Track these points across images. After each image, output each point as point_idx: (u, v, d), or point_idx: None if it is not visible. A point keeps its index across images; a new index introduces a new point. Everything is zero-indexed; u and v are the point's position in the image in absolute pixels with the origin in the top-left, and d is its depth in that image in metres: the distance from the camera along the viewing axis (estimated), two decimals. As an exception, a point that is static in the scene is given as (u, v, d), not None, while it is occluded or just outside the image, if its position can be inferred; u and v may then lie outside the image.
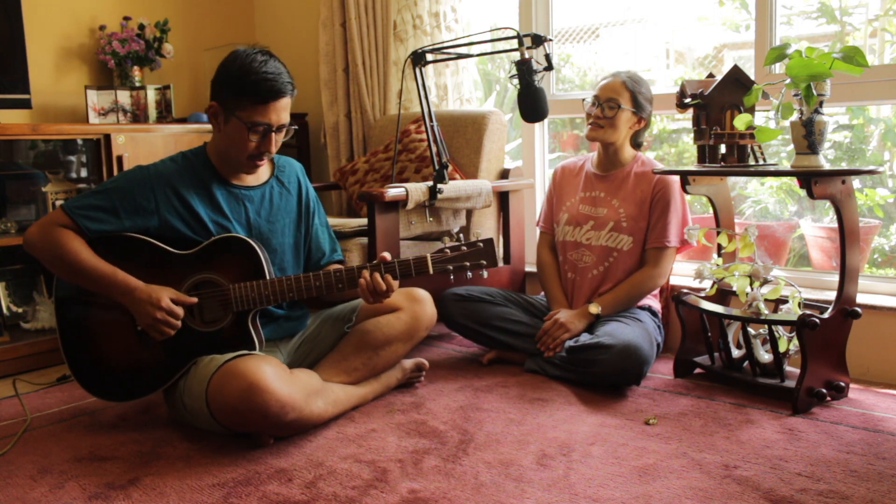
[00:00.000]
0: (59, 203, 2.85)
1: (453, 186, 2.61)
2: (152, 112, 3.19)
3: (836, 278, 2.14)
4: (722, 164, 2.21)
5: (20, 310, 2.91)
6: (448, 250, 1.97)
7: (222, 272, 1.97)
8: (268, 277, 1.97)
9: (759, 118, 2.51)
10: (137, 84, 3.25)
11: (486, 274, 2.00)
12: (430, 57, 2.65)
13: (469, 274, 1.98)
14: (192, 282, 1.96)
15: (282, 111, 1.96)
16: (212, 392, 1.83)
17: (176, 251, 1.97)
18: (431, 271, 1.96)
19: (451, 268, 1.96)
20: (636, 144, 2.59)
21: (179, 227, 1.98)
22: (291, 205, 2.16)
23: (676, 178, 2.43)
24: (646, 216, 2.48)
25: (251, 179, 2.09)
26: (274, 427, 1.85)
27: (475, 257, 1.97)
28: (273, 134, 1.97)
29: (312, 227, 2.21)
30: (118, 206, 1.94)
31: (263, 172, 2.13)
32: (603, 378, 2.22)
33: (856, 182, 2.60)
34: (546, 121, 3.02)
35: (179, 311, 1.90)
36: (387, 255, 1.99)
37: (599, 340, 2.23)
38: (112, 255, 1.93)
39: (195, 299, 1.93)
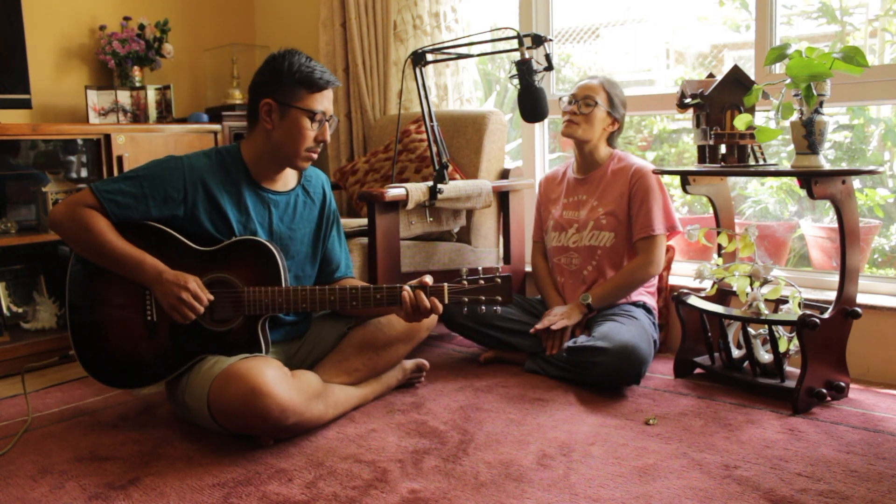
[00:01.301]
0: (57, 200, 2.86)
1: (453, 186, 2.61)
2: (152, 112, 3.19)
3: (836, 278, 2.14)
4: (722, 164, 2.21)
5: (20, 310, 2.92)
6: (466, 282, 1.96)
7: (238, 273, 1.96)
8: (283, 285, 1.96)
9: (759, 118, 2.51)
10: (137, 84, 3.25)
11: (500, 310, 1.99)
12: (430, 57, 2.65)
13: (483, 308, 1.97)
14: (207, 279, 1.95)
15: (331, 102, 2.02)
16: (213, 394, 1.83)
17: (196, 246, 1.97)
18: (447, 301, 1.96)
19: (466, 300, 1.95)
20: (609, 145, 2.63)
21: (204, 223, 1.97)
22: (314, 215, 2.16)
23: (651, 167, 2.48)
24: (625, 209, 2.50)
25: (280, 185, 2.09)
26: (274, 431, 1.86)
27: (492, 292, 1.95)
28: (327, 123, 2.00)
29: (329, 238, 2.21)
30: (147, 194, 1.93)
31: (291, 179, 2.12)
32: (602, 379, 2.22)
33: (856, 182, 2.60)
34: (546, 121, 3.02)
35: (204, 296, 1.89)
36: (428, 280, 1.97)
37: (596, 343, 2.23)
38: (133, 240, 1.93)
39: (212, 297, 1.92)
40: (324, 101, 1.99)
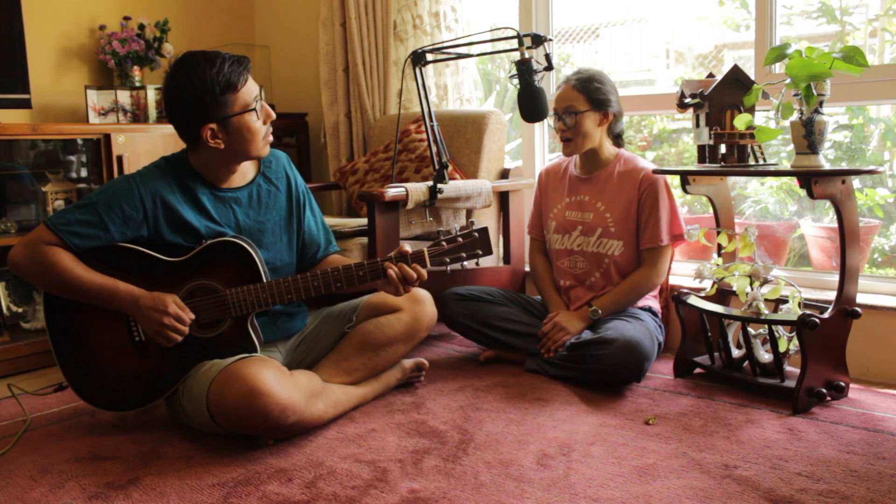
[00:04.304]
0: (59, 203, 2.86)
1: (453, 186, 2.61)
2: (152, 112, 3.19)
3: (836, 278, 2.14)
4: (722, 164, 2.21)
5: (20, 310, 2.92)
6: (444, 243, 1.94)
7: (217, 277, 1.93)
8: (264, 280, 1.95)
9: (759, 118, 2.50)
10: (137, 84, 3.25)
11: (479, 263, 1.98)
12: (430, 57, 2.65)
13: (465, 264, 1.96)
14: (187, 289, 1.93)
15: (253, 81, 1.95)
16: (212, 396, 1.82)
17: (168, 259, 1.93)
18: (429, 265, 1.94)
19: (448, 260, 1.94)
20: (615, 136, 2.54)
21: (170, 235, 1.94)
22: (281, 201, 2.11)
23: (654, 167, 2.44)
24: (633, 217, 2.46)
25: (238, 180, 2.04)
26: (274, 430, 1.85)
27: (471, 248, 1.94)
28: (263, 103, 1.96)
29: (304, 220, 2.17)
30: (106, 220, 1.87)
31: (249, 171, 2.08)
32: (604, 374, 2.22)
33: (856, 182, 2.60)
34: (546, 121, 3.02)
35: (186, 316, 1.87)
36: (407, 248, 1.95)
37: (602, 335, 2.24)
38: (103, 266, 1.89)
39: (193, 315, 1.89)
40: (251, 88, 1.92)
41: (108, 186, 1.94)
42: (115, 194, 1.90)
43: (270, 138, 2.00)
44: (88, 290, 1.85)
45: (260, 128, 1.94)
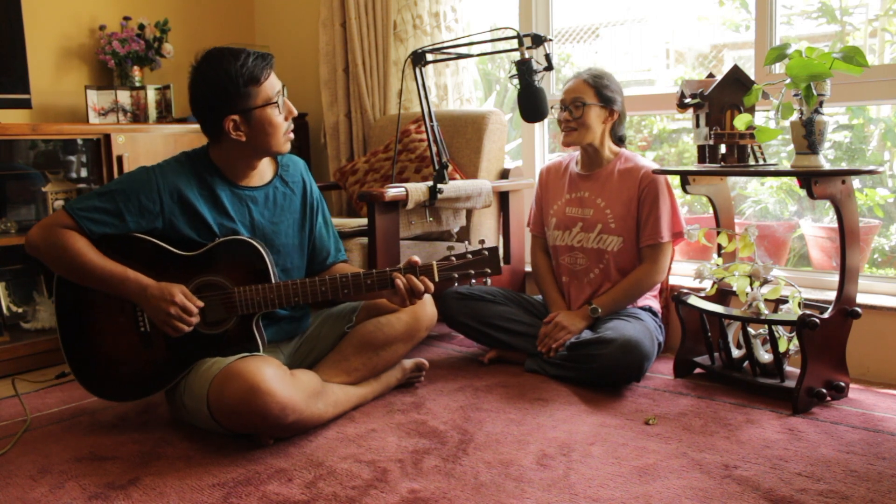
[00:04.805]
0: (58, 203, 2.86)
1: (453, 186, 2.61)
2: (152, 112, 3.19)
3: (836, 278, 2.14)
4: (722, 164, 2.21)
5: (20, 310, 2.91)
6: (454, 258, 1.98)
7: (227, 274, 1.95)
8: (273, 281, 1.96)
9: (759, 118, 2.50)
10: (137, 84, 3.25)
11: (489, 282, 2.01)
12: (430, 57, 2.65)
13: (473, 281, 1.99)
14: (195, 284, 1.94)
15: (276, 76, 1.99)
16: (212, 393, 1.83)
17: (180, 252, 1.96)
18: (437, 279, 1.96)
19: (456, 275, 1.97)
20: (618, 139, 2.56)
21: (185, 230, 1.96)
22: (295, 205, 2.14)
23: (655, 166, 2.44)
24: (634, 214, 2.47)
25: (256, 180, 2.07)
26: (274, 429, 1.85)
27: (480, 265, 1.97)
28: (285, 99, 2.00)
29: (316, 226, 2.20)
30: (122, 209, 1.91)
31: (267, 172, 2.11)
32: (604, 373, 2.22)
33: (856, 182, 2.60)
34: (546, 121, 3.02)
35: (193, 307, 1.88)
36: (416, 259, 1.97)
37: (601, 335, 2.24)
38: (115, 255, 1.92)
39: (201, 303, 1.91)
40: (273, 83, 1.96)
41: (128, 177, 1.97)
42: (134, 185, 1.94)
43: (291, 135, 2.03)
44: (99, 275, 1.88)
45: (281, 123, 1.98)
